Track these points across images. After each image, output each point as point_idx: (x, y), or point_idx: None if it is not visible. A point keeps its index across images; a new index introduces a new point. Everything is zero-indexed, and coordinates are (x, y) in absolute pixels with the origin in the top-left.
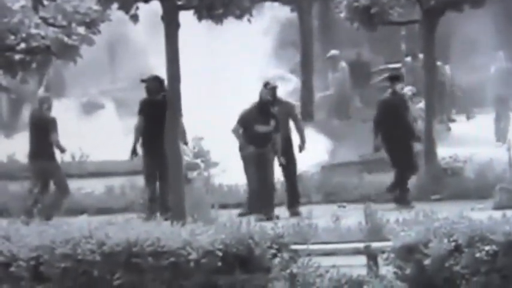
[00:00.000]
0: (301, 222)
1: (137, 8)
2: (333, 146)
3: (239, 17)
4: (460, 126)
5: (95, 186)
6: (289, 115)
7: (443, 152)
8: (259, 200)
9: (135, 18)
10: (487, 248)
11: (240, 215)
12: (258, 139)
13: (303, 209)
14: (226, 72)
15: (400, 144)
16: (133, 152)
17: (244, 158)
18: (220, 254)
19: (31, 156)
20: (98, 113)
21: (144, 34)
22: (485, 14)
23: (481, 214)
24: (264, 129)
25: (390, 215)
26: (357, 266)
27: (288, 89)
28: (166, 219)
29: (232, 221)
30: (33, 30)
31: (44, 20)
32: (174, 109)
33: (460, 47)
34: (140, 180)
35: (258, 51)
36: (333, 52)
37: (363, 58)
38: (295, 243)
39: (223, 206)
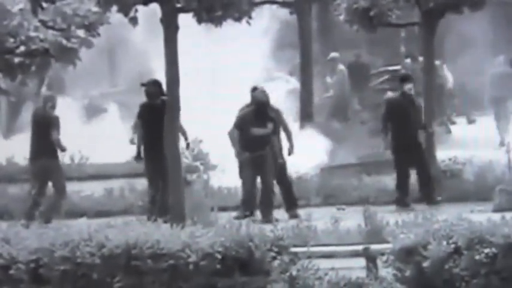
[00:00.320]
0: (300, 224)
1: (136, 11)
2: (332, 148)
3: (238, 19)
4: (460, 128)
5: (95, 189)
6: (277, 119)
7: (443, 154)
8: (260, 202)
9: (134, 20)
10: (486, 250)
11: (236, 218)
12: (255, 142)
13: (303, 212)
14: (225, 73)
15: (407, 144)
16: (138, 156)
17: (242, 161)
18: (219, 256)
19: (32, 156)
20: (98, 115)
21: (143, 36)
22: (486, 16)
23: (481, 216)
24: (261, 132)
25: (389, 217)
26: (356, 268)
27: (287, 90)
28: (165, 222)
29: (232, 223)
30: (33, 33)
31: (43, 22)
32: (173, 112)
33: (459, 48)
34: (139, 183)
35: (256, 53)
36: (333, 55)
37: (361, 60)
38: (295, 246)
39: (223, 209)
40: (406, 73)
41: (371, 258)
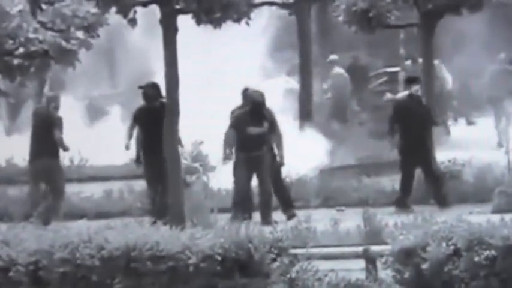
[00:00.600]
0: (299, 226)
1: (135, 12)
2: (331, 149)
3: (237, 20)
4: (459, 129)
5: (94, 191)
6: (268, 119)
7: (442, 155)
8: (259, 204)
9: (133, 22)
10: (485, 252)
11: (232, 218)
12: (251, 142)
13: (302, 213)
14: (223, 74)
15: (415, 146)
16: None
17: (236, 161)
18: (219, 258)
19: (32, 156)
20: (98, 116)
21: (143, 37)
22: (484, 17)
23: (480, 218)
24: (257, 130)
25: (389, 218)
26: (355, 269)
27: (285, 90)
28: (165, 224)
29: (231, 225)
30: (32, 35)
31: (42, 24)
32: (173, 113)
33: (458, 50)
34: (138, 185)
35: (254, 53)
36: (332, 57)
37: (360, 62)
38: (294, 247)
39: (222, 210)
40: (413, 75)
41: (370, 260)
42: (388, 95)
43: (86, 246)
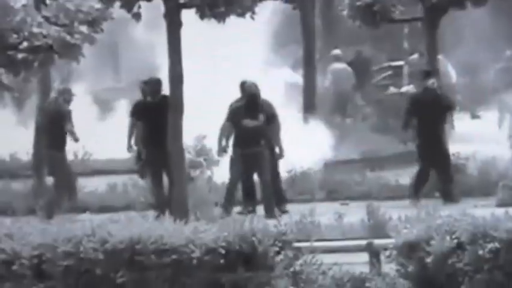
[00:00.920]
0: (304, 219)
1: (139, 7)
2: (335, 143)
3: (241, 15)
4: (463, 123)
5: (98, 184)
6: (267, 112)
7: None
8: (261, 199)
9: (137, 16)
10: (489, 245)
11: (239, 213)
12: (248, 137)
13: (306, 207)
14: (227, 68)
15: (431, 140)
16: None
17: (232, 157)
18: (223, 251)
19: (37, 149)
20: (101, 110)
21: (147, 31)
22: (489, 11)
23: (484, 211)
24: (252, 123)
25: (392, 212)
26: (359, 263)
27: (289, 82)
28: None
29: (235, 218)
30: (36, 29)
31: (46, 18)
32: (177, 108)
33: (462, 44)
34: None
35: (258, 48)
36: (335, 51)
37: (363, 56)
38: (298, 241)
39: None
40: (428, 68)
41: (374, 253)
42: (392, 89)
43: (90, 240)
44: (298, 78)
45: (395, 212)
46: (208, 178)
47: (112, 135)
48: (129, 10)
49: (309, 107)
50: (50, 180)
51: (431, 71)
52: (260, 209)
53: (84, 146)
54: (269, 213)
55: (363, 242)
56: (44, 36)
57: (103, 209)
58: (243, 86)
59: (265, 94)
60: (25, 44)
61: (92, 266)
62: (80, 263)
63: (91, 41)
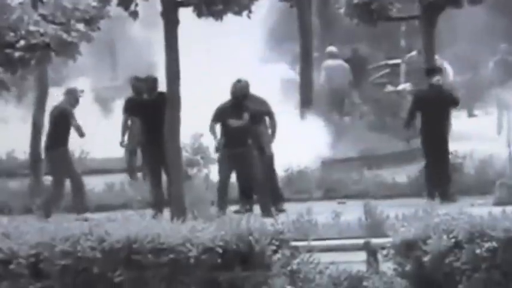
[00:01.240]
0: (301, 218)
1: (136, 5)
2: (332, 141)
3: (238, 13)
4: (460, 122)
5: (95, 183)
6: (263, 111)
7: None
8: (257, 198)
9: (134, 14)
10: (487, 244)
11: (236, 212)
12: (234, 136)
13: (303, 206)
14: (223, 66)
15: (436, 137)
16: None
17: (219, 156)
18: (220, 250)
19: (44, 147)
20: (98, 108)
21: (144, 29)
22: (485, 9)
23: (481, 210)
24: (237, 123)
25: (390, 211)
26: (356, 262)
27: (285, 79)
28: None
29: (232, 217)
30: (33, 27)
31: (43, 16)
32: (174, 105)
33: (459, 41)
34: (139, 177)
35: (255, 45)
36: (329, 49)
37: (359, 54)
38: (296, 240)
39: None
40: (433, 65)
41: (371, 252)
42: (389, 87)
43: (87, 239)
44: (294, 75)
45: (392, 210)
46: (206, 176)
47: (109, 134)
48: (126, 8)
49: (306, 104)
50: (47, 179)
51: (436, 68)
52: (257, 208)
53: (81, 145)
54: (265, 212)
55: (360, 241)
56: (41, 35)
57: (100, 208)
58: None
59: (261, 91)
60: (22, 42)
61: (89, 265)
62: (77, 262)
63: (88, 39)
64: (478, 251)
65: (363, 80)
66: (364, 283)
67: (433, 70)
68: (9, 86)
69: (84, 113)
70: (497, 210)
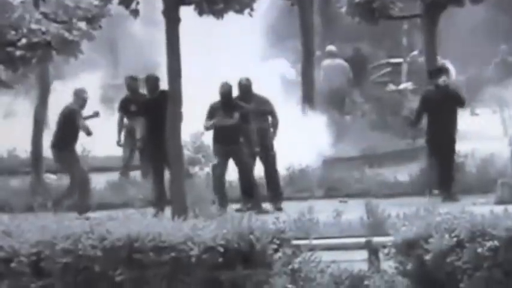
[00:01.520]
0: (302, 217)
1: (138, 3)
2: (334, 140)
3: (239, 11)
4: (462, 121)
5: (96, 182)
6: (265, 110)
7: None
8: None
9: (135, 13)
10: (488, 243)
11: (238, 210)
12: (224, 134)
13: (305, 204)
14: (224, 64)
15: (443, 137)
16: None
17: (214, 152)
18: (221, 249)
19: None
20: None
21: (144, 27)
22: (487, 7)
23: (483, 209)
24: (226, 122)
25: (391, 209)
26: (358, 260)
27: (287, 77)
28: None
29: (234, 216)
30: (34, 26)
31: (45, 15)
32: (175, 104)
33: (460, 40)
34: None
35: (255, 43)
36: (329, 48)
37: (361, 53)
38: (297, 238)
39: None
40: (439, 65)
41: (373, 251)
42: (391, 86)
43: (88, 237)
44: (295, 73)
45: (394, 209)
46: (207, 175)
47: (111, 132)
48: (127, 6)
49: (308, 103)
50: (48, 177)
51: (441, 69)
52: None
53: (83, 143)
54: (256, 209)
55: (362, 240)
56: (43, 33)
57: (101, 206)
58: (240, 84)
59: (262, 88)
60: (23, 40)
61: (90, 264)
62: (79, 261)
63: (89, 37)
64: (479, 250)
65: (364, 79)
66: (366, 282)
67: (439, 70)
68: (10, 84)
69: (86, 111)
70: (498, 209)
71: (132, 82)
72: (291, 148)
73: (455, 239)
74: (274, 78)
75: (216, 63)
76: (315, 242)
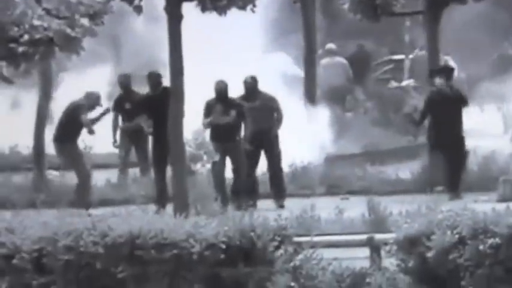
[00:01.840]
0: (304, 214)
1: (141, 0)
2: (336, 137)
3: (242, 7)
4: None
5: (98, 178)
6: (271, 107)
7: None
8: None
9: (138, 9)
10: (490, 240)
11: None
12: (221, 131)
13: (307, 201)
14: (226, 58)
15: (448, 137)
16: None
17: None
18: (223, 246)
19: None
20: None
21: (147, 23)
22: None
23: (485, 206)
24: (223, 120)
25: (393, 206)
26: (359, 258)
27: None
28: None
29: (235, 213)
30: (36, 22)
31: (47, 11)
32: (178, 100)
33: (462, 38)
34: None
35: (257, 40)
36: (328, 46)
37: (364, 50)
38: (299, 236)
39: None
40: (441, 65)
41: (375, 248)
42: (393, 83)
43: (90, 234)
44: (298, 70)
45: (396, 206)
46: (209, 172)
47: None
48: (130, 3)
49: (310, 101)
50: (50, 173)
51: (445, 68)
52: (261, 204)
53: (84, 140)
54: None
55: (364, 237)
56: (45, 29)
57: (103, 202)
58: (245, 82)
59: (264, 84)
60: (26, 36)
61: (92, 260)
62: (80, 257)
63: (92, 34)
64: (481, 247)
65: (367, 76)
66: (367, 279)
67: (439, 71)
68: (12, 80)
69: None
70: (500, 206)
71: (124, 79)
72: (293, 145)
73: (457, 236)
74: (274, 74)
75: (217, 58)
76: (316, 239)
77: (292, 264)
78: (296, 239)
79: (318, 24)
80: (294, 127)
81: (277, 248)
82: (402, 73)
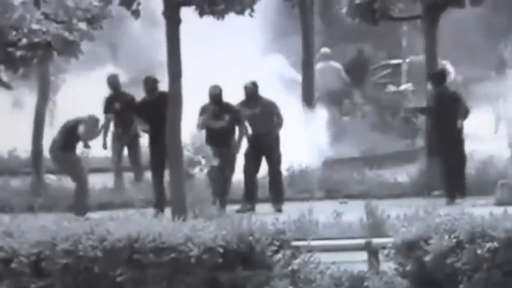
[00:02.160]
0: (302, 218)
1: (139, 4)
2: (334, 141)
3: (240, 12)
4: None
5: (96, 182)
6: (272, 112)
7: None
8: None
9: (136, 13)
10: (488, 244)
11: (238, 211)
12: (215, 136)
13: (305, 205)
14: (224, 62)
15: (451, 140)
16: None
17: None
18: (221, 250)
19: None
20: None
21: (145, 27)
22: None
23: (483, 210)
24: (217, 124)
25: (391, 210)
26: (357, 262)
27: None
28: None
29: (233, 217)
30: (35, 26)
31: (46, 15)
32: (176, 104)
33: (459, 41)
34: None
35: (256, 43)
36: (324, 50)
37: (363, 54)
38: (297, 240)
39: None
40: (440, 70)
41: (373, 252)
42: (391, 87)
43: (88, 238)
44: (296, 74)
45: (394, 210)
46: (206, 176)
47: (110, 132)
48: (128, 7)
49: (308, 105)
50: (48, 177)
51: (443, 73)
52: (259, 208)
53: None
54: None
55: (362, 241)
56: (43, 33)
57: (101, 206)
58: (246, 88)
59: (263, 88)
60: (24, 40)
61: (90, 264)
62: (79, 261)
63: (90, 38)
64: (479, 251)
65: (365, 80)
66: (365, 283)
67: (444, 74)
68: (10, 85)
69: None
70: (498, 210)
71: (113, 80)
72: (291, 149)
73: (454, 240)
74: (272, 77)
75: (214, 62)
76: (314, 243)
77: (290, 268)
78: (294, 243)
79: (317, 28)
80: (292, 131)
81: (276, 252)
82: (400, 77)
